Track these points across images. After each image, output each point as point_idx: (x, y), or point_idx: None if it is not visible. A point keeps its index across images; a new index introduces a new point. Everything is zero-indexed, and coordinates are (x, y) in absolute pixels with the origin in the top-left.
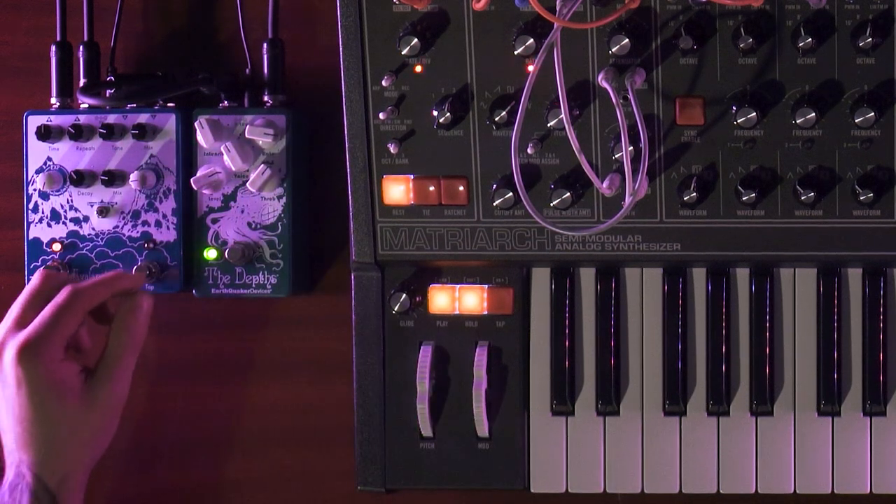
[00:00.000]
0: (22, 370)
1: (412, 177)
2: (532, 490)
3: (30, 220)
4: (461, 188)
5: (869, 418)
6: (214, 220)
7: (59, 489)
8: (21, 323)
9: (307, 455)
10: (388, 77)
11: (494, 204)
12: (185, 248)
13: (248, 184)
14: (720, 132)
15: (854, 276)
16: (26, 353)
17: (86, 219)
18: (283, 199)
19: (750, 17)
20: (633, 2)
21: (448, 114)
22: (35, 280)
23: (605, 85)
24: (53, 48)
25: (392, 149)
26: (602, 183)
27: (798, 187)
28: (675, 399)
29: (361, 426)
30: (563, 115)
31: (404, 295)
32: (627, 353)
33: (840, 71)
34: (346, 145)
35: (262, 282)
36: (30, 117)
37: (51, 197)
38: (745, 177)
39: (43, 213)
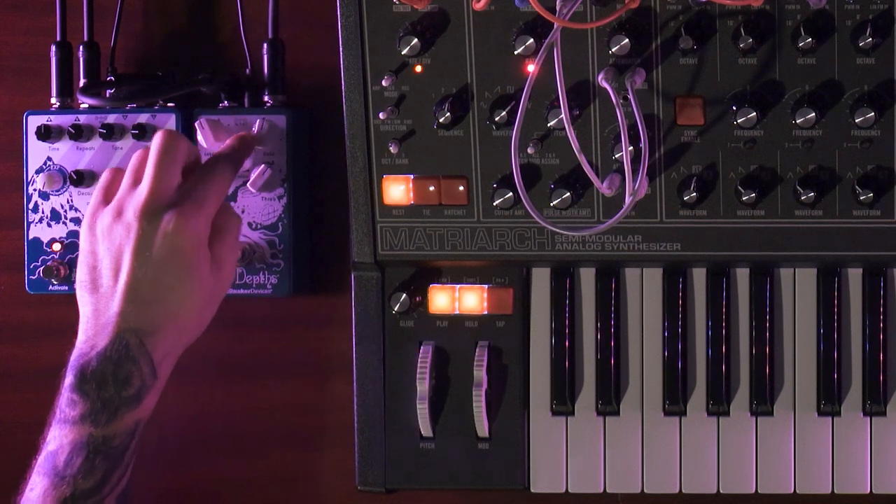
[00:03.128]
0: (176, 234)
1: (412, 177)
2: (532, 490)
3: (30, 220)
4: (461, 188)
5: (869, 418)
6: None
7: (159, 367)
8: (160, 187)
9: (307, 455)
10: (388, 77)
11: (494, 204)
12: None
13: (248, 184)
14: (720, 132)
15: (854, 276)
16: (186, 219)
17: None
18: (283, 199)
19: (750, 17)
20: (633, 2)
21: (448, 114)
22: (161, 140)
23: (605, 85)
24: (53, 48)
25: (392, 149)
26: (602, 183)
27: (798, 187)
28: (675, 399)
29: (361, 426)
30: (563, 115)
31: (404, 295)
32: (627, 353)
33: (840, 71)
34: (346, 145)
35: (262, 282)
36: (30, 117)
37: (51, 197)
38: (745, 177)
39: (43, 213)
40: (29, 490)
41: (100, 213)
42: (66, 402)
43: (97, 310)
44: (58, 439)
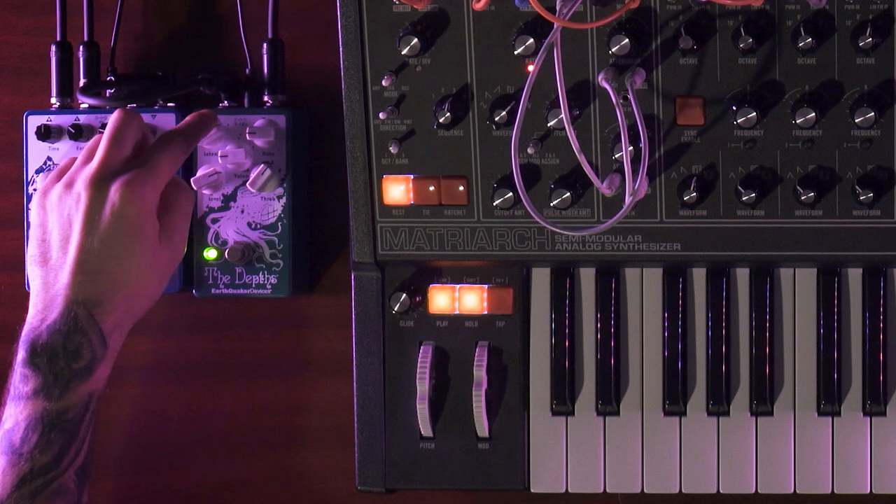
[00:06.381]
0: (124, 203)
1: (412, 177)
2: (532, 490)
3: (30, 221)
4: (461, 188)
5: (869, 418)
6: (214, 220)
7: (109, 337)
8: (111, 158)
9: (307, 455)
10: (388, 77)
11: (494, 204)
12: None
13: (248, 184)
14: (720, 132)
15: (854, 276)
16: (134, 188)
17: None
18: (283, 199)
19: (750, 17)
20: (633, 2)
21: (448, 114)
22: (115, 117)
23: (605, 85)
24: (53, 48)
25: (392, 149)
26: (602, 183)
27: (798, 187)
28: (675, 399)
29: (361, 426)
30: (563, 115)
31: (404, 295)
32: (627, 353)
33: (840, 71)
34: (346, 145)
35: (262, 282)
36: (30, 117)
37: None
38: (745, 177)
39: None
40: None
41: (51, 189)
42: (19, 378)
43: (46, 282)
44: (13, 416)
